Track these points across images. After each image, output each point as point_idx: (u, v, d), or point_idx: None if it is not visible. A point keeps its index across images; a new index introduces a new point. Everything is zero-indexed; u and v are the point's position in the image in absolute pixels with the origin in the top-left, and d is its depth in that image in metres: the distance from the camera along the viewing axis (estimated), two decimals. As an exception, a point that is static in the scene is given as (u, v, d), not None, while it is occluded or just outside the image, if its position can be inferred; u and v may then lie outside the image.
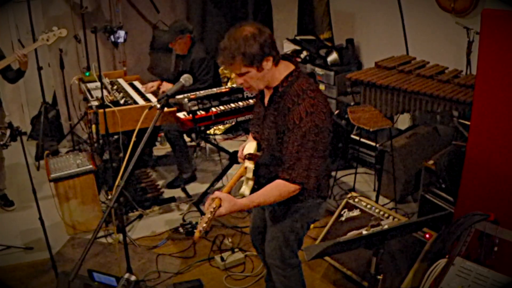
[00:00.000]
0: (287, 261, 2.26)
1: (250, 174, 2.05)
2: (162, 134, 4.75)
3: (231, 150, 3.70)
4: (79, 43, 4.62)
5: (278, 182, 1.94)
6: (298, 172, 1.90)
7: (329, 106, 1.98)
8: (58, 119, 4.87)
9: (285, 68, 1.98)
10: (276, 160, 2.02)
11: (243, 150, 2.20)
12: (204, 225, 1.86)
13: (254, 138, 2.19)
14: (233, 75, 5.32)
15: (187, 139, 4.79)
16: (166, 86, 3.93)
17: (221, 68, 5.15)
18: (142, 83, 4.21)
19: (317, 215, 2.20)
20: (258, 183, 2.07)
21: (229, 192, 1.96)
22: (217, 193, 1.90)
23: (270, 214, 2.23)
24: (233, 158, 3.59)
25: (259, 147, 2.15)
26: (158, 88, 3.98)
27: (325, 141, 1.94)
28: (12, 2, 4.56)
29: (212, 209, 1.88)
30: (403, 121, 4.25)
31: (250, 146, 2.14)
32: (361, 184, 4.03)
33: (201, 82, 3.90)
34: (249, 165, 2.06)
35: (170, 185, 4.07)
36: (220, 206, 1.86)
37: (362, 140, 4.05)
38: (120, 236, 2.90)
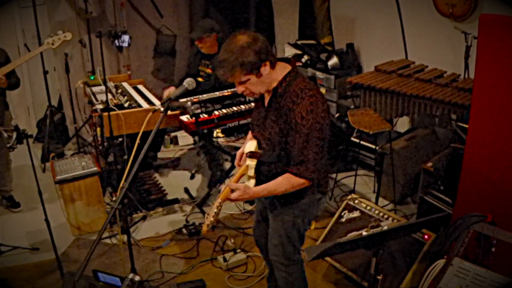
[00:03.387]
0: (289, 257, 2.29)
1: (251, 172, 2.09)
2: (167, 136, 4.82)
3: (233, 153, 3.74)
4: (84, 48, 4.67)
5: (289, 175, 2.00)
6: (306, 167, 1.97)
7: (327, 103, 2.04)
8: (64, 122, 4.91)
9: (282, 69, 2.03)
10: (278, 158, 2.07)
11: (240, 156, 2.23)
12: (212, 219, 1.92)
13: (254, 137, 2.21)
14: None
15: (190, 141, 4.84)
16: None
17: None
18: (146, 87, 4.26)
19: (318, 211, 2.25)
20: (259, 181, 2.11)
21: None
22: (229, 183, 1.99)
23: (270, 206, 2.27)
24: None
25: (259, 146, 2.17)
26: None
27: (327, 137, 2.01)
28: (18, 7, 4.62)
29: (218, 204, 1.93)
30: (402, 124, 4.27)
31: (250, 145, 2.16)
32: (361, 186, 4.06)
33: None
34: (251, 162, 2.09)
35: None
36: (226, 199, 1.94)
37: (362, 142, 4.07)
38: (125, 237, 2.93)
